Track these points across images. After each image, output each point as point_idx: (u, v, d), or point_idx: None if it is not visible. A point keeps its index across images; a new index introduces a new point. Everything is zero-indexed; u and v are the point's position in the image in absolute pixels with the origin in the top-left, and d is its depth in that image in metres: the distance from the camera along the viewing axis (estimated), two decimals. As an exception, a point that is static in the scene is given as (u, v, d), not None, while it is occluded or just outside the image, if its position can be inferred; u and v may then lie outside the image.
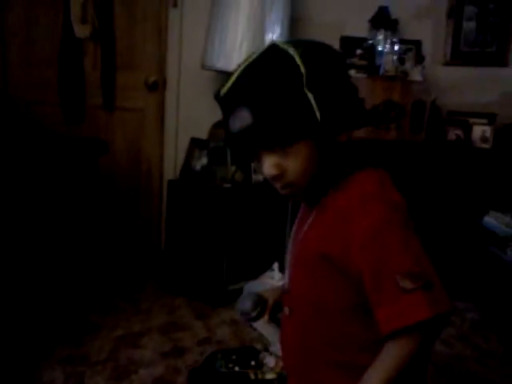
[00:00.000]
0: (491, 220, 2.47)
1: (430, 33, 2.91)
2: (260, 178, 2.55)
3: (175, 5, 2.84)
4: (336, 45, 2.87)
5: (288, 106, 0.76)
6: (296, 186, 0.84)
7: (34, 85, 2.80)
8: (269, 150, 0.82)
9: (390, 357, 0.76)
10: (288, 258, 0.94)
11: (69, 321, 2.19)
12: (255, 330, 0.94)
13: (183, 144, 2.80)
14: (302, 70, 0.75)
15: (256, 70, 0.79)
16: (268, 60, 0.79)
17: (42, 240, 2.07)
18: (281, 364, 1.85)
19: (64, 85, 2.78)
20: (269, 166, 0.82)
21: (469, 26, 2.90)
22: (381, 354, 0.77)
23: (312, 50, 0.80)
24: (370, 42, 2.73)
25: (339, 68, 0.82)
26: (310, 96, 0.76)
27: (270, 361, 1.87)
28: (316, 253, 0.82)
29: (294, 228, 0.95)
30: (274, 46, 0.80)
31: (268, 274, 2.42)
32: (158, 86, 2.87)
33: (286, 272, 0.95)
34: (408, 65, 2.70)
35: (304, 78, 0.75)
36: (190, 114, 2.91)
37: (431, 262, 0.77)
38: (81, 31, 2.75)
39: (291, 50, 0.77)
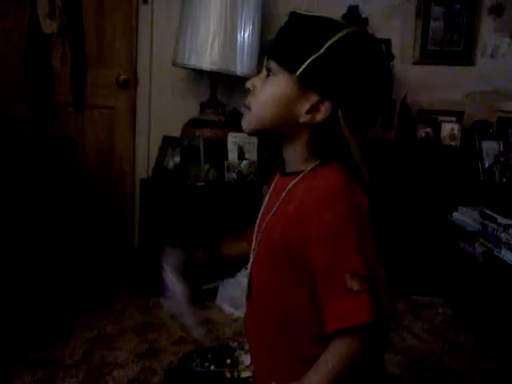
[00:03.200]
0: (460, 216, 2.53)
1: (399, 32, 2.95)
2: (233, 176, 2.54)
3: (145, 1, 2.81)
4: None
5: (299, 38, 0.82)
6: (251, 113, 0.86)
7: (-1, 82, 2.72)
8: (266, 72, 0.86)
9: (332, 356, 0.78)
10: (253, 243, 0.95)
11: (40, 323, 2.14)
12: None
13: (155, 142, 2.78)
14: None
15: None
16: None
17: (12, 241, 2.02)
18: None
19: (31, 82, 2.71)
20: (250, 80, 0.88)
21: (436, 25, 2.95)
22: (325, 352, 0.79)
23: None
24: (341, 40, 2.75)
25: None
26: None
27: (245, 359, 1.87)
28: (278, 241, 0.83)
29: (260, 214, 0.95)
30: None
31: (243, 272, 2.42)
32: (129, 84, 2.83)
33: (251, 257, 0.96)
34: (378, 63, 2.74)
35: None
36: (162, 111, 2.87)
37: (383, 265, 0.79)
38: (48, 27, 2.68)
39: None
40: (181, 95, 2.87)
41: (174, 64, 2.60)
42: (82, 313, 2.28)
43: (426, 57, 2.96)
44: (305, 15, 0.84)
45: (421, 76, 2.93)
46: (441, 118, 2.77)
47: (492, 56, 2.93)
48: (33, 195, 2.17)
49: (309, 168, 0.85)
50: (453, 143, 2.73)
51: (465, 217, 2.49)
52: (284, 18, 2.79)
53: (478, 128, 2.77)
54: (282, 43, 0.84)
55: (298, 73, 0.79)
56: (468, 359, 2.09)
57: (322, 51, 0.78)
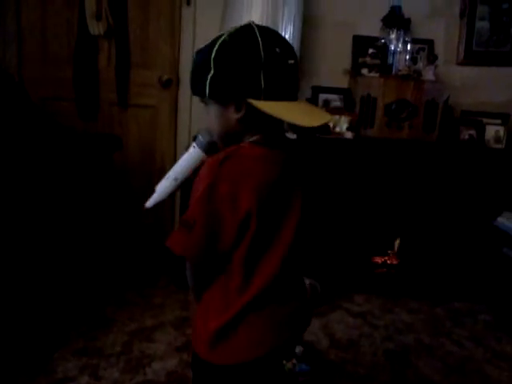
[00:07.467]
0: (504, 221, 2.46)
1: (443, 32, 2.90)
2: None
3: (188, 3, 2.86)
4: (348, 44, 2.87)
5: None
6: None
7: (49, 80, 2.82)
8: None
9: None
10: None
11: (84, 314, 2.21)
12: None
13: (196, 142, 2.81)
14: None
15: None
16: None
17: (58, 234, 2.09)
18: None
19: (79, 81, 2.80)
20: None
21: (482, 25, 2.89)
22: None
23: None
24: (383, 41, 2.72)
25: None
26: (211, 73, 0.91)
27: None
28: None
29: None
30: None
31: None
32: (171, 84, 2.89)
33: None
34: (420, 64, 2.70)
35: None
36: (203, 110, 2.90)
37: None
38: (95, 28, 2.76)
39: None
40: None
41: (216, 64, 2.63)
42: (122, 306, 2.34)
43: (471, 58, 2.90)
44: (199, 49, 0.96)
45: (465, 77, 2.87)
46: (485, 120, 2.70)
47: (541, 57, 2.85)
48: (78, 189, 2.24)
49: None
50: (498, 146, 2.66)
51: (509, 222, 2.42)
52: (326, 19, 2.81)
53: (524, 131, 2.69)
54: (191, 82, 0.99)
55: (207, 96, 0.94)
56: (509, 368, 2.04)
57: (212, 67, 0.90)
